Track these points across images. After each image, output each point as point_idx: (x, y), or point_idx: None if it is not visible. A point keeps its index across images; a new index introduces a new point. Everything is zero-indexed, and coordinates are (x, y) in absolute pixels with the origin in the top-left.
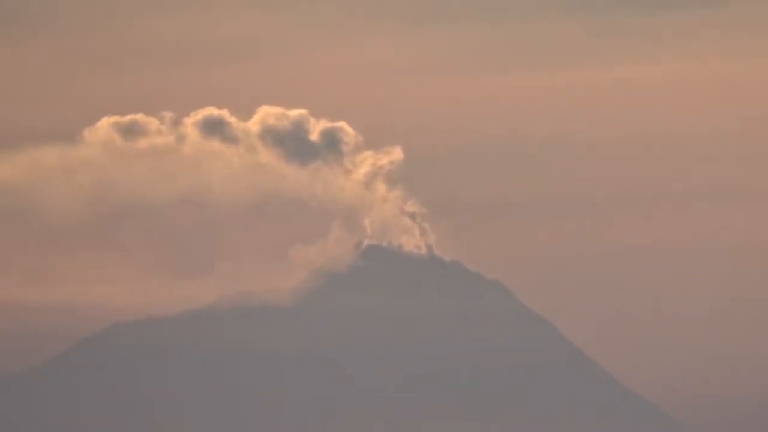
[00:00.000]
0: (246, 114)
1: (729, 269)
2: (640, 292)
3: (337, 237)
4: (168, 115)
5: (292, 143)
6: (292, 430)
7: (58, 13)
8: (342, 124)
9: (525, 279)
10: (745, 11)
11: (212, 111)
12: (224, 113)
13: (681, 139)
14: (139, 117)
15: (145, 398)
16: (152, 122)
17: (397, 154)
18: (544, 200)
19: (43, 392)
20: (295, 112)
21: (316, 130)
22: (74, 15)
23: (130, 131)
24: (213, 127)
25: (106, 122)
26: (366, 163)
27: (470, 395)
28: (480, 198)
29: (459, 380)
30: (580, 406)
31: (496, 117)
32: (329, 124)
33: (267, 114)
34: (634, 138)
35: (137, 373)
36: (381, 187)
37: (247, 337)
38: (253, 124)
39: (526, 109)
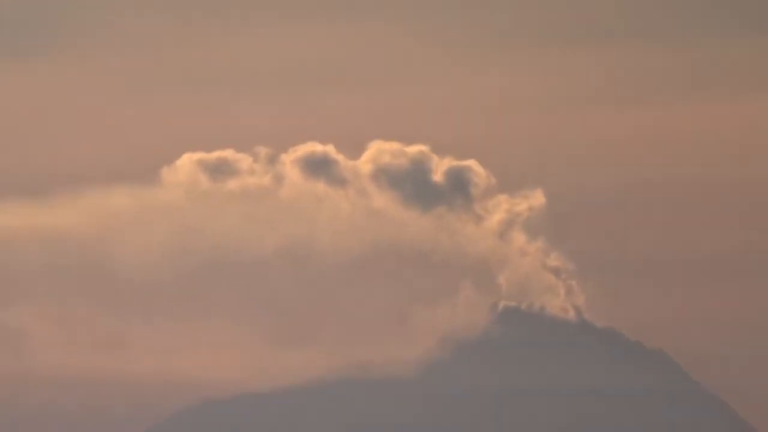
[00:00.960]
0: (356, 150)
1: None
2: None
3: (468, 297)
4: (263, 151)
5: (411, 185)
6: None
7: (130, 34)
8: (471, 162)
9: (694, 349)
10: None
11: (315, 147)
12: (330, 149)
13: None
14: (229, 153)
15: None
16: (244, 159)
17: (537, 198)
18: (719, 256)
19: None
20: (414, 149)
21: (439, 169)
22: (149, 35)
23: (218, 170)
24: (316, 166)
25: (188, 160)
26: (500, 208)
27: None
28: (639, 251)
29: None
30: None
31: (660, 155)
32: (455, 163)
33: (381, 150)
34: None
35: None
36: (518, 238)
37: (361, 418)
38: (365, 163)
39: (699, 146)
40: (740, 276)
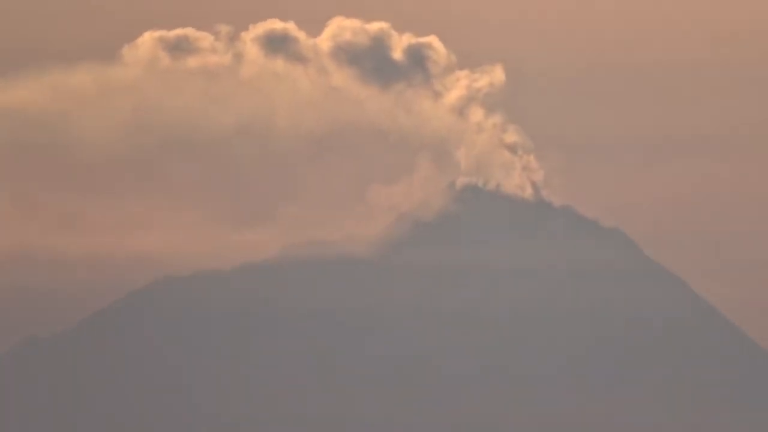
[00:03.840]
0: (316, 28)
1: None
2: None
3: (425, 175)
4: (223, 29)
5: (370, 63)
6: (370, 400)
7: None
8: (431, 39)
9: (649, 227)
10: None
11: (275, 24)
12: (290, 27)
13: None
14: (189, 31)
15: (196, 363)
16: (204, 38)
17: (497, 74)
18: (676, 135)
19: (76, 357)
20: (374, 26)
21: (399, 46)
22: None
23: (178, 48)
24: (276, 44)
25: (149, 38)
26: (459, 85)
27: (585, 360)
28: (598, 129)
29: (572, 344)
30: (712, 369)
31: (621, 34)
32: (415, 40)
33: (341, 28)
34: None
35: (186, 336)
36: (477, 114)
37: (318, 295)
38: (324, 40)
39: (658, 26)
40: (696, 155)
